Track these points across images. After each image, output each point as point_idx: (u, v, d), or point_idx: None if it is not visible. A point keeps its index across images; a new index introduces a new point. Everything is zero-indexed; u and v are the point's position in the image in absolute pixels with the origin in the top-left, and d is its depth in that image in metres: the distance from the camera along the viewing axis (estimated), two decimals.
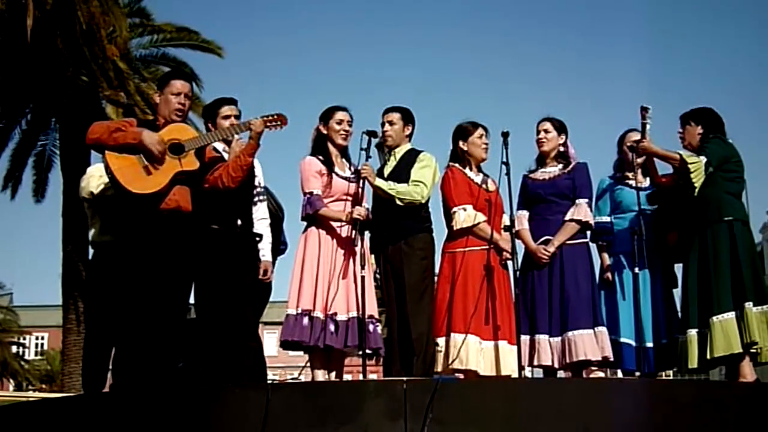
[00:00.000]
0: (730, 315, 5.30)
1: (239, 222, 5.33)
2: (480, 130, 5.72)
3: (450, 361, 5.30)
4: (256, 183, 5.57)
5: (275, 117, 5.17)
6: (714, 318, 5.31)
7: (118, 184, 4.87)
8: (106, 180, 5.17)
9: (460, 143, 5.71)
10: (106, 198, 5.47)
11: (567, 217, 5.65)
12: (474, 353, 5.31)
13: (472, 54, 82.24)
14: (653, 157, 5.69)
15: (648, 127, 5.52)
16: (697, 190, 5.42)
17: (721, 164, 5.51)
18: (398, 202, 5.44)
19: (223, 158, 5.27)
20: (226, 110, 5.44)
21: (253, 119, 5.16)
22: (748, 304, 5.27)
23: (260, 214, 5.58)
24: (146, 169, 4.87)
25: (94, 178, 5.62)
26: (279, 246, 5.97)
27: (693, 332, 5.38)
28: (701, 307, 5.40)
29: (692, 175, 5.41)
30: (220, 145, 5.37)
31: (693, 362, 5.35)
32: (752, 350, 5.28)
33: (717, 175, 5.47)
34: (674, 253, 5.81)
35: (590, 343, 5.42)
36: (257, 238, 5.49)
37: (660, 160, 5.66)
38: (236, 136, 5.30)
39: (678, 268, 5.86)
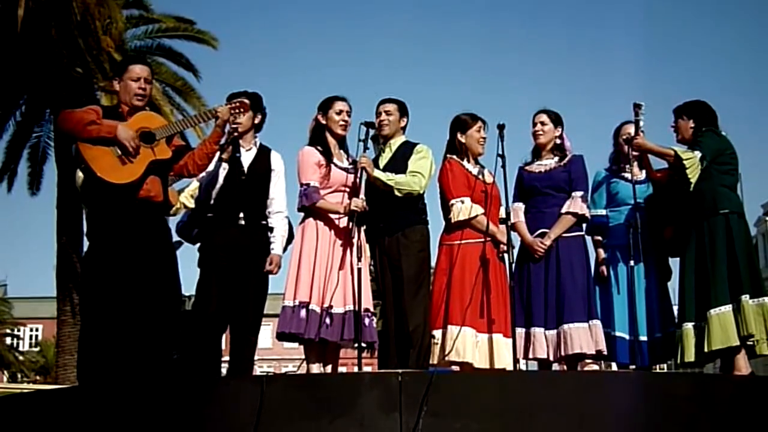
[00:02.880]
0: (727, 308, 5.30)
1: (242, 214, 5.32)
2: (479, 123, 5.70)
3: (446, 353, 5.30)
4: (273, 176, 5.54)
5: (238, 104, 5.18)
6: (711, 311, 5.31)
7: (92, 174, 4.83)
8: None
9: (458, 135, 5.70)
10: None
11: (563, 210, 5.64)
12: (470, 346, 5.31)
13: (468, 48, 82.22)
14: (647, 153, 5.69)
15: (641, 123, 5.52)
16: (693, 185, 5.42)
17: (716, 157, 5.51)
18: (397, 193, 5.43)
19: (188, 147, 5.26)
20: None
21: (219, 106, 5.15)
22: (745, 297, 5.28)
23: (276, 207, 5.52)
24: (120, 158, 4.84)
25: None
26: None
27: (689, 326, 5.39)
28: (698, 301, 5.40)
29: (687, 171, 5.41)
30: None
31: (690, 356, 5.36)
32: (749, 343, 5.29)
33: (712, 168, 5.48)
34: (670, 247, 5.81)
35: (585, 337, 5.42)
36: (268, 231, 5.46)
37: (654, 156, 5.66)
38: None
39: (673, 261, 5.86)
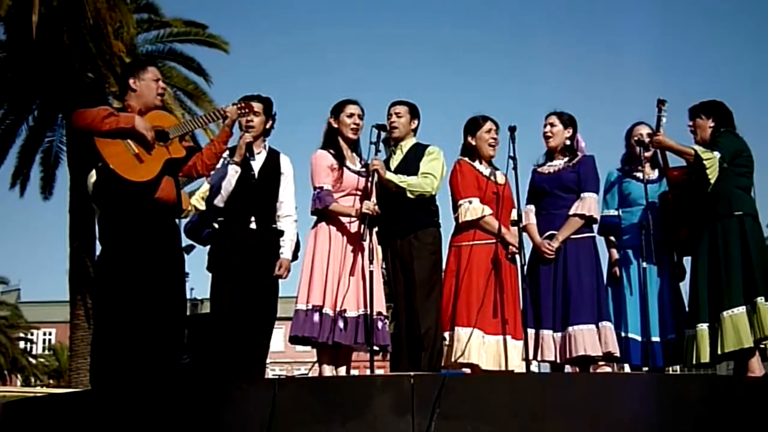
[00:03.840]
0: (741, 310, 5.27)
1: (253, 218, 5.33)
2: (489, 125, 5.69)
3: (454, 356, 5.30)
4: (282, 179, 5.55)
5: (243, 105, 5.19)
6: (724, 313, 5.28)
7: (111, 173, 4.79)
8: None
9: (469, 137, 5.70)
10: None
11: (571, 212, 5.61)
12: (476, 347, 5.30)
13: (480, 52, 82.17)
14: (667, 150, 5.65)
15: (663, 120, 5.48)
16: (711, 185, 5.38)
17: (733, 159, 5.48)
18: (409, 194, 5.42)
19: (197, 147, 5.27)
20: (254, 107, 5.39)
21: (228, 106, 5.16)
22: (760, 299, 5.23)
23: (285, 210, 5.54)
24: (137, 157, 4.82)
25: None
26: None
27: (704, 326, 5.36)
28: (711, 302, 5.37)
29: (708, 171, 5.37)
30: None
31: (705, 357, 5.32)
32: (762, 346, 5.26)
33: (728, 169, 5.44)
34: (685, 247, 5.78)
35: (590, 338, 5.38)
36: (278, 235, 5.46)
37: (674, 154, 5.61)
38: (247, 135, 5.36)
39: (687, 261, 5.83)
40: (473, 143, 5.68)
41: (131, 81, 5.07)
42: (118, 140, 4.81)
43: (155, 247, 4.86)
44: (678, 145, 5.52)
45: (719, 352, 5.26)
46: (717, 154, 5.41)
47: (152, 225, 4.88)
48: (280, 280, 5.46)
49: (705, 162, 5.37)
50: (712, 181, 5.39)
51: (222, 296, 5.28)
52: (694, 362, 5.44)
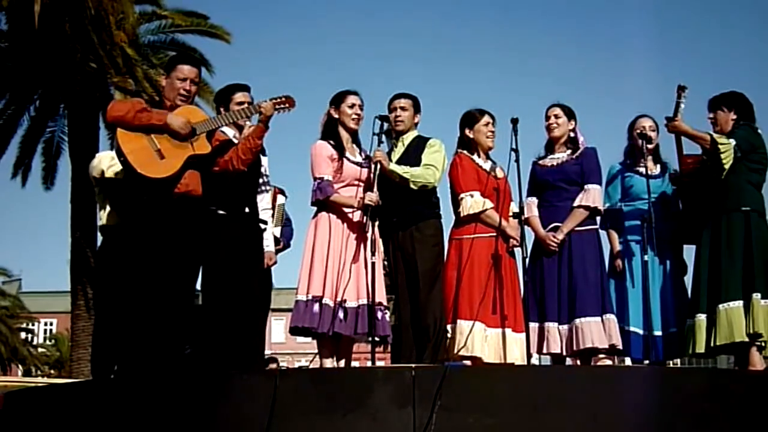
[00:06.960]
0: (737, 304, 5.26)
1: (247, 209, 5.33)
2: (486, 118, 5.68)
3: (456, 348, 5.30)
4: (262, 172, 5.56)
5: (283, 99, 5.15)
6: (720, 306, 5.28)
7: (131, 168, 4.81)
8: (117, 163, 5.14)
9: (467, 131, 5.69)
10: (116, 182, 5.44)
11: (575, 203, 5.62)
12: (479, 340, 5.30)
13: (480, 46, 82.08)
14: (683, 136, 5.61)
15: (682, 106, 5.44)
16: (726, 171, 5.36)
17: (748, 153, 5.45)
18: (412, 185, 5.41)
19: (232, 142, 5.25)
20: (239, 96, 5.35)
21: (263, 102, 5.14)
22: (756, 295, 5.22)
23: (264, 204, 5.60)
24: (159, 153, 4.83)
25: (106, 159, 5.60)
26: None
27: (702, 317, 5.36)
28: (710, 294, 5.37)
29: (722, 156, 5.34)
30: (230, 131, 5.32)
31: (700, 347, 5.33)
32: (757, 343, 5.25)
33: (741, 163, 5.42)
34: (688, 236, 5.76)
35: (597, 331, 5.39)
36: (263, 225, 5.50)
37: (689, 139, 5.57)
38: (248, 123, 5.30)
39: (688, 257, 5.84)
40: (471, 136, 5.67)
41: (163, 78, 5.17)
42: (142, 135, 4.84)
43: (169, 240, 4.84)
44: (694, 131, 5.47)
45: (712, 344, 5.26)
46: (732, 142, 5.39)
47: (170, 219, 4.86)
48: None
49: (720, 146, 5.34)
50: (727, 167, 5.36)
51: (221, 287, 5.26)
52: (690, 351, 5.44)
